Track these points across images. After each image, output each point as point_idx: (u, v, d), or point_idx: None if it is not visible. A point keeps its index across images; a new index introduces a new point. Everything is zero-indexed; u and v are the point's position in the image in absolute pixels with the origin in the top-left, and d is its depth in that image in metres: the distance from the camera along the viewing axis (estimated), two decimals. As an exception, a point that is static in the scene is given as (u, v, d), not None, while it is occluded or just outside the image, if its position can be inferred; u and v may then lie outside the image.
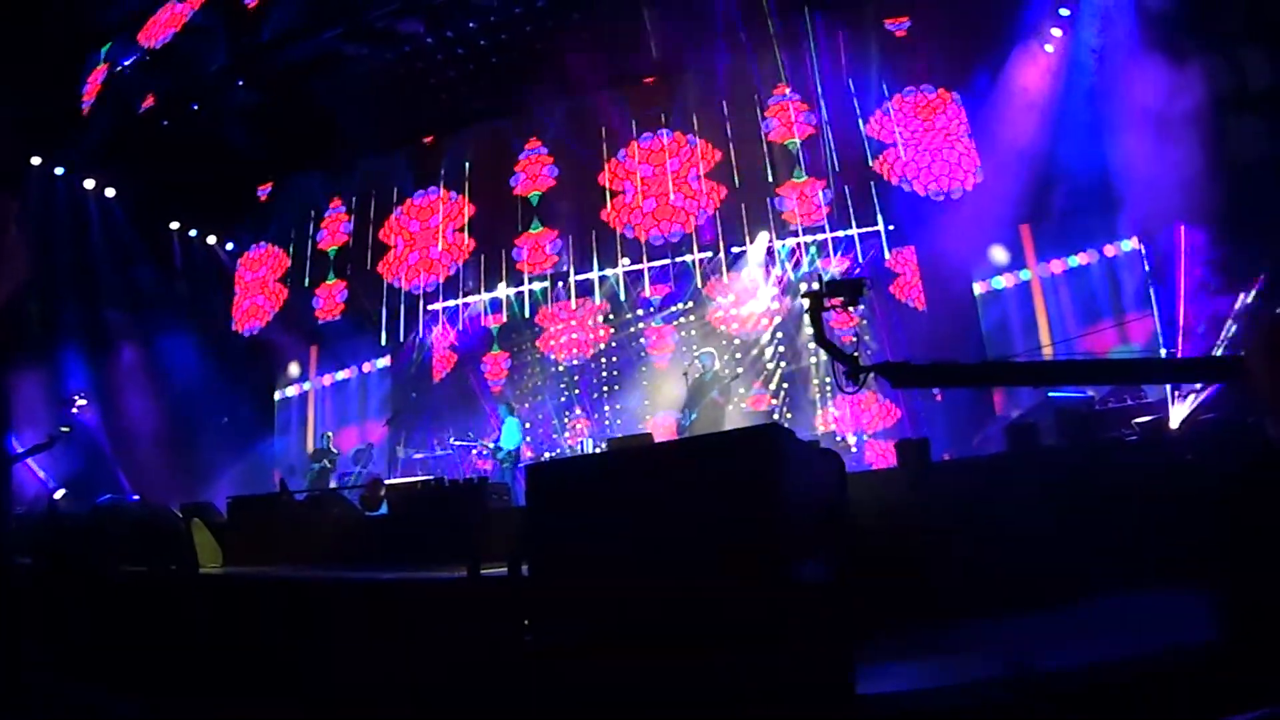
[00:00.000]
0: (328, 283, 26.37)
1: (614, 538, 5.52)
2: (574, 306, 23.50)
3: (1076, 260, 19.88)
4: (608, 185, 23.56)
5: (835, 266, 21.01)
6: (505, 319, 24.42)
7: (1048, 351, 17.83)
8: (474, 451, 20.63)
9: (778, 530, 5.02)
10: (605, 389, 22.83)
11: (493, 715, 6.46)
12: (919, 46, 21.22)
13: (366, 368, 26.41)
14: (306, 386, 27.22)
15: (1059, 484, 8.83)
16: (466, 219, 25.00)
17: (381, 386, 26.08)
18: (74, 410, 19.93)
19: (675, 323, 22.61)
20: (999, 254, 20.36)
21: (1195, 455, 8.78)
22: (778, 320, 21.59)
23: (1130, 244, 18.75)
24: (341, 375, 26.77)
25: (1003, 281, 20.61)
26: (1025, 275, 20.46)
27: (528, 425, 22.03)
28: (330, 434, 22.60)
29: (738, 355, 21.51)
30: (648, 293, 22.82)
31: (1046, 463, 9.82)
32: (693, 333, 22.19)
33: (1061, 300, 19.91)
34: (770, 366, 21.25)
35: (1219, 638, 4.77)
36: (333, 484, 20.81)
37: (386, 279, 25.49)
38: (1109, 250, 19.30)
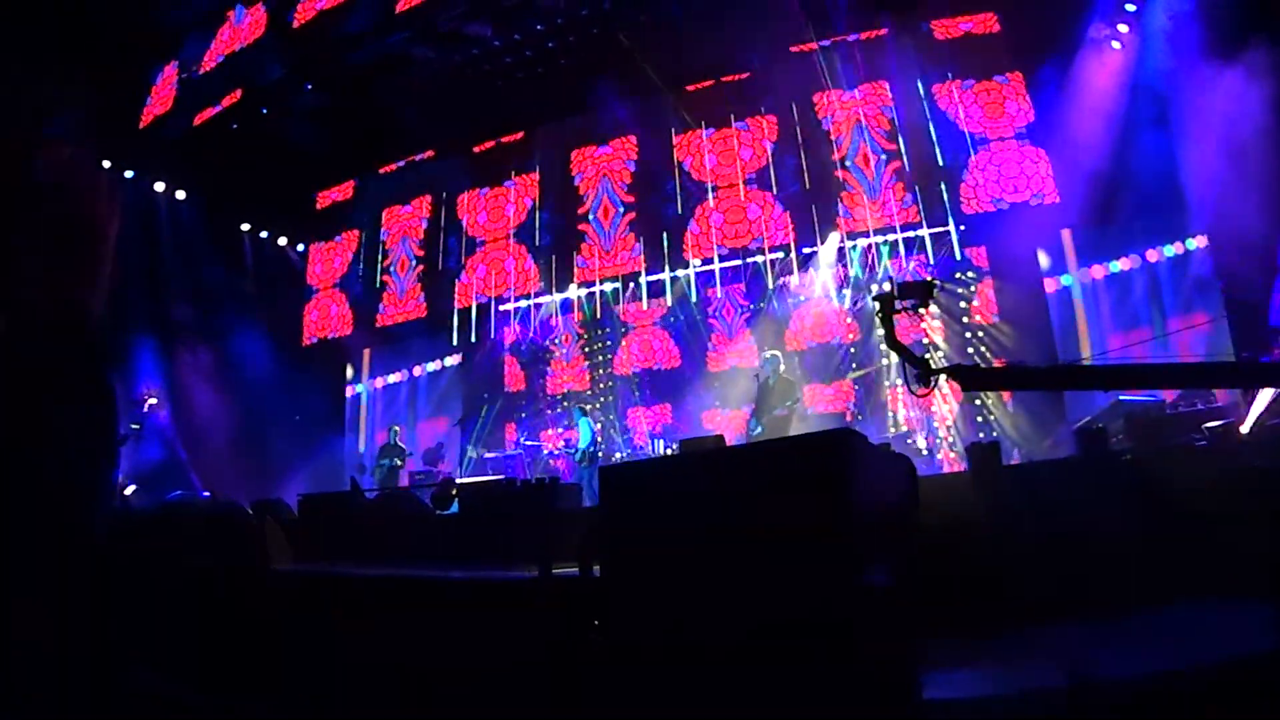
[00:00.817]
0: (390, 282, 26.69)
1: (685, 539, 5.47)
2: (645, 307, 23.42)
3: (1118, 265, 19.70)
4: (678, 186, 23.53)
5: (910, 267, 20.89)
6: (581, 318, 24.52)
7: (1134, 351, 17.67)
8: (545, 451, 20.69)
9: (848, 534, 4.97)
10: (674, 389, 22.83)
11: (561, 715, 6.47)
12: (988, 44, 21.06)
13: (417, 370, 26.71)
14: (359, 388, 27.55)
15: (1127, 489, 8.70)
16: (537, 218, 25.07)
17: (433, 388, 26.39)
18: (144, 409, 20.16)
19: (749, 326, 22.53)
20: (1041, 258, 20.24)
21: (1266, 461, 8.65)
22: (849, 321, 21.43)
23: (1173, 249, 18.65)
24: (393, 378, 27.17)
25: (1071, 279, 20.37)
26: (1066, 280, 20.31)
27: (598, 426, 22.07)
28: (398, 429, 22.67)
29: (810, 357, 21.48)
30: (719, 293, 22.74)
31: (1115, 467, 9.66)
32: (765, 333, 22.02)
33: (1104, 304, 19.78)
34: (841, 368, 21.12)
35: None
36: (404, 481, 20.99)
37: (459, 302, 25.70)
38: (1152, 255, 19.12)
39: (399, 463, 21.56)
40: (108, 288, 4.41)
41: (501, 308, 25.06)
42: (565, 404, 21.74)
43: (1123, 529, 8.06)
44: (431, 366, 26.42)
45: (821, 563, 4.99)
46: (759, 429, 16.52)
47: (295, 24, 21.20)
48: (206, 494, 19.91)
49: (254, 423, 23.45)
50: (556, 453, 20.10)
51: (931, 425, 19.67)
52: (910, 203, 21.03)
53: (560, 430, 22.02)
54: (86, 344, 4.11)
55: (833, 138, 22.11)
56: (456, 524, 13.55)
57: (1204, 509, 7.90)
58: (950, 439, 19.46)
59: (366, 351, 27.37)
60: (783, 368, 17.61)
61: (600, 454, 20.04)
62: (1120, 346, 17.48)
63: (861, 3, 21.06)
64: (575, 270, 24.42)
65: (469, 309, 25.29)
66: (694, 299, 22.99)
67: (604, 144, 24.93)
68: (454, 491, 14.95)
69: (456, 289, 25.73)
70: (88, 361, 4.08)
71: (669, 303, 23.37)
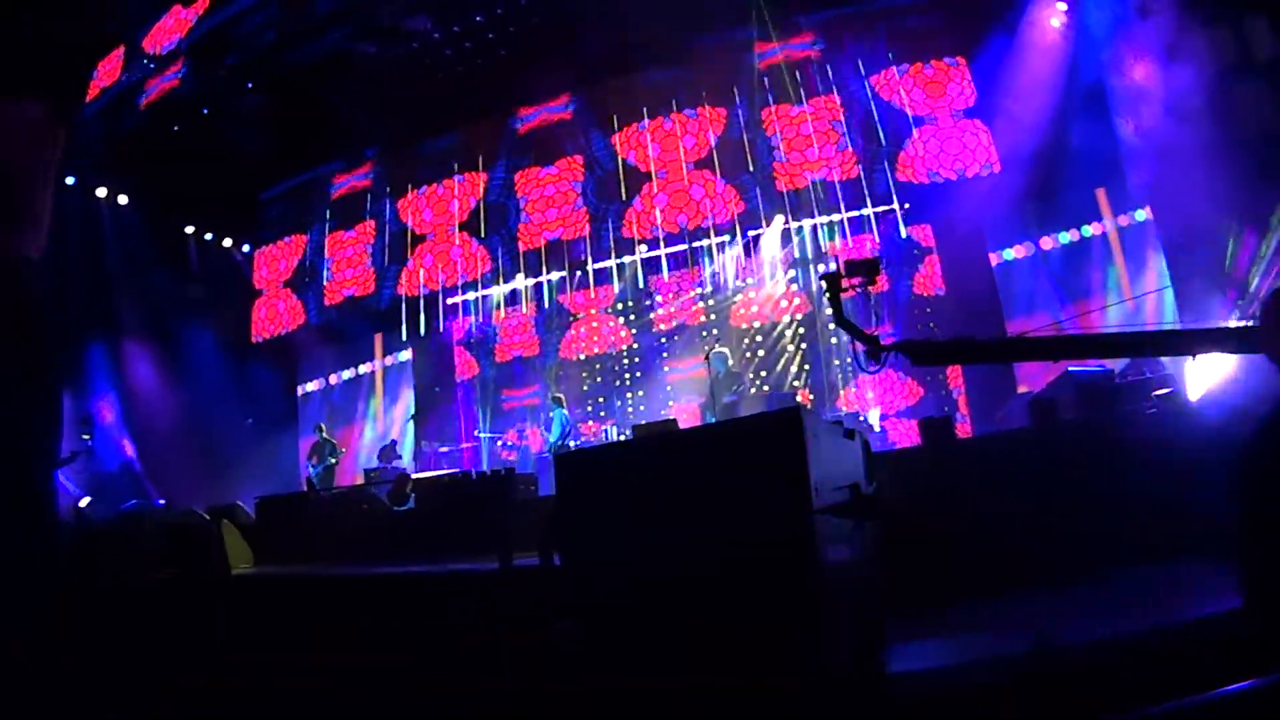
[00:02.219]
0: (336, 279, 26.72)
1: (644, 523, 5.52)
2: (592, 295, 23.46)
3: (1067, 237, 19.92)
4: (620, 174, 23.57)
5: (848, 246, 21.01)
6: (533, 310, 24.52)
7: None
8: (499, 442, 20.68)
9: (806, 512, 5.03)
10: (627, 377, 22.86)
11: (528, 706, 6.50)
12: (927, 18, 21.17)
13: (364, 368, 26.76)
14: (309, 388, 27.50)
15: (1080, 458, 8.85)
16: (483, 213, 25.03)
17: (385, 383, 26.30)
18: (84, 438, 20.02)
19: (694, 308, 22.57)
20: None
21: (1214, 426, 8.78)
22: (796, 302, 21.55)
23: (1115, 223, 18.90)
24: (346, 374, 27.03)
25: (1012, 254, 20.56)
26: (1008, 255, 20.52)
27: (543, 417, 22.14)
28: (323, 425, 22.45)
29: (758, 338, 21.60)
30: (665, 279, 22.81)
31: (1067, 438, 9.82)
32: (713, 317, 22.21)
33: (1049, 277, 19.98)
34: (791, 349, 21.22)
35: (1242, 607, 4.79)
36: (346, 479, 20.96)
37: (405, 293, 25.59)
38: (1095, 228, 19.42)
39: (333, 460, 21.29)
40: (44, 236, 4.37)
41: (449, 300, 24.99)
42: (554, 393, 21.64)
43: (1077, 497, 8.19)
44: (404, 356, 26.29)
45: (780, 540, 5.05)
46: (713, 418, 16.65)
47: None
48: (162, 502, 19.78)
49: (206, 426, 23.28)
50: (512, 444, 20.06)
51: (882, 401, 19.80)
52: (855, 182, 21.08)
53: (530, 426, 22.06)
54: (22, 296, 4.06)
55: (775, 122, 22.13)
56: (415, 519, 13.56)
57: (1156, 475, 8.04)
58: (903, 414, 19.61)
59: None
60: (730, 362, 17.91)
61: (573, 444, 20.13)
62: (1067, 318, 17.62)
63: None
64: (522, 260, 24.31)
65: (417, 302, 25.12)
66: (641, 284, 23.01)
67: (547, 163, 24.88)
68: (409, 487, 14.95)
69: (403, 278, 25.63)
70: (24, 316, 4.03)
71: (616, 289, 23.33)
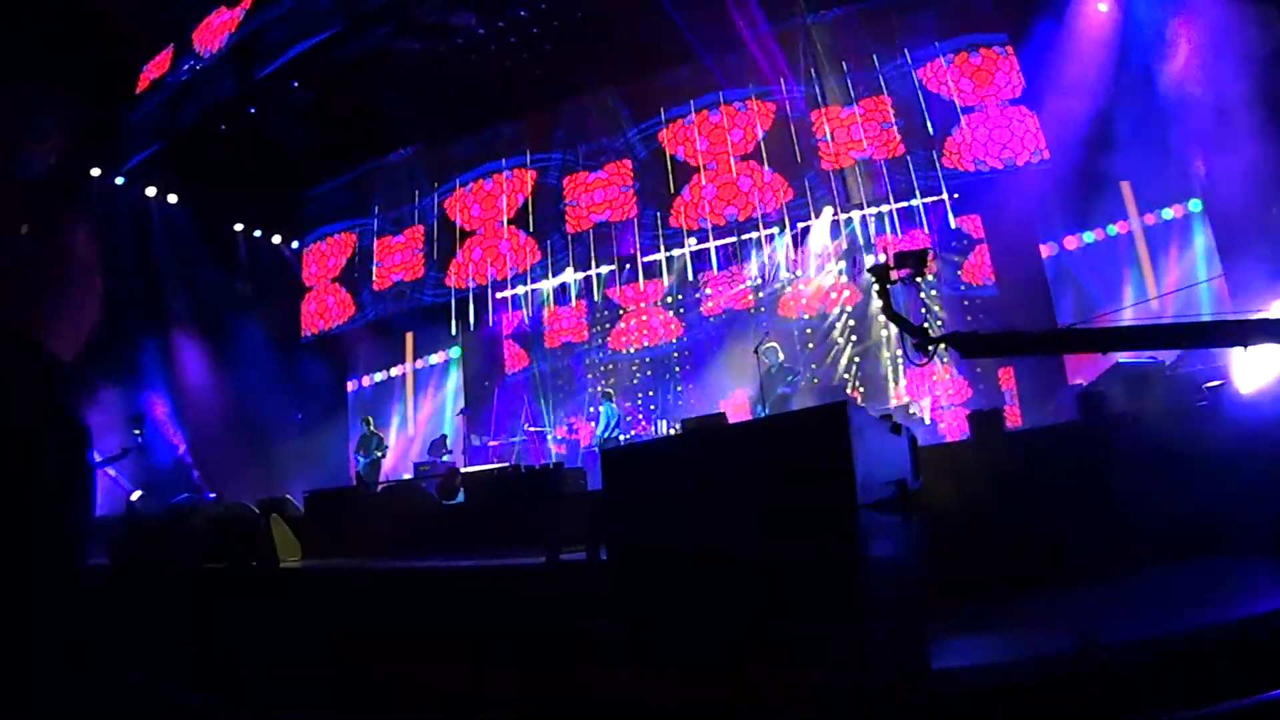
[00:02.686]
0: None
1: (691, 518, 5.50)
2: (642, 288, 23.41)
3: (1115, 229, 19.72)
4: (669, 168, 23.50)
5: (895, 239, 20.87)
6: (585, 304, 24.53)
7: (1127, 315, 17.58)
8: (551, 436, 20.66)
9: (851, 507, 4.98)
10: (677, 369, 22.79)
11: (578, 699, 6.48)
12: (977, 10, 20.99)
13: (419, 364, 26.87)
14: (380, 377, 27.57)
15: (1129, 452, 8.72)
16: (530, 205, 25.06)
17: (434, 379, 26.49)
18: (135, 433, 20.16)
19: (745, 299, 22.47)
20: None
21: (1267, 419, 8.64)
22: (846, 294, 21.42)
23: (1170, 212, 18.64)
24: (394, 371, 27.27)
25: (1065, 244, 20.40)
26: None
27: (591, 410, 22.17)
28: (370, 419, 22.44)
29: (808, 331, 21.47)
30: (715, 272, 22.72)
31: (1116, 430, 9.69)
32: (762, 310, 22.16)
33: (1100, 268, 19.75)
34: (841, 341, 21.10)
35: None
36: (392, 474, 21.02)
37: (454, 284, 25.64)
38: (1149, 219, 19.13)
39: (379, 454, 21.28)
40: (83, 339, 4.51)
41: (498, 295, 25.02)
42: (595, 389, 21.59)
43: (1126, 492, 8.08)
44: (434, 359, 26.46)
45: (825, 536, 5.01)
46: (764, 411, 16.61)
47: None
48: (213, 495, 19.91)
49: (257, 421, 23.43)
50: (561, 438, 20.03)
51: (933, 394, 19.66)
52: (903, 173, 20.93)
53: (578, 419, 22.03)
54: (53, 383, 4.12)
55: (824, 114, 22.02)
56: (463, 513, 13.55)
57: (1207, 469, 7.91)
58: (952, 407, 19.45)
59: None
60: (781, 356, 17.97)
61: (622, 437, 20.10)
62: (1117, 308, 17.42)
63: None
64: (572, 254, 24.28)
65: (466, 296, 25.15)
66: (690, 277, 22.93)
67: (598, 168, 24.82)
68: (458, 481, 14.95)
69: (451, 271, 25.65)
70: (55, 403, 4.09)
71: (666, 283, 23.25)
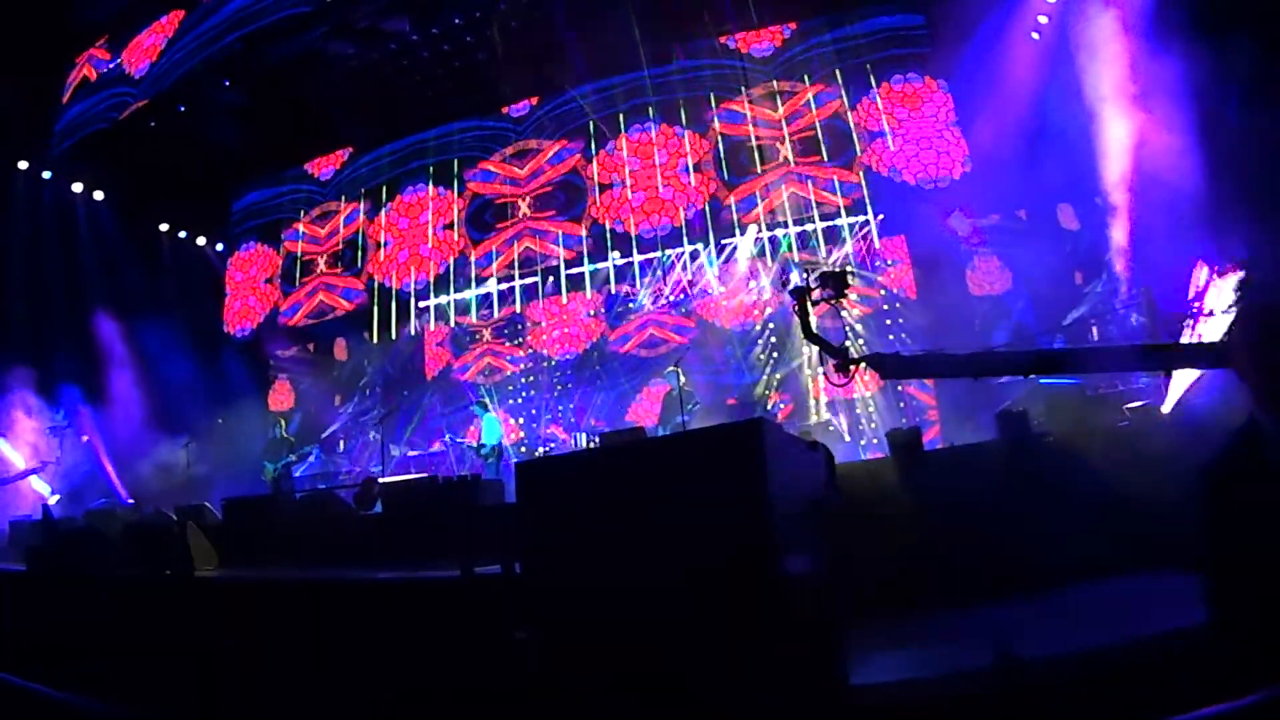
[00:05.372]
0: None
1: (605, 533, 5.54)
2: (565, 301, 23.40)
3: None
4: (595, 179, 23.57)
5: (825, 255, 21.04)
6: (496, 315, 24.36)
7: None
8: (463, 446, 20.61)
9: (764, 523, 5.04)
10: (597, 381, 22.77)
11: (487, 714, 6.48)
12: (910, 36, 21.25)
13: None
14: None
15: (1050, 471, 8.87)
16: (456, 215, 25.04)
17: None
18: (51, 433, 20.00)
19: (669, 314, 22.52)
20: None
21: (1185, 439, 8.80)
22: (769, 312, 21.54)
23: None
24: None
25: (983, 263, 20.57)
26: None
27: (519, 421, 22.16)
28: (282, 421, 22.26)
29: (728, 347, 21.57)
30: (639, 286, 22.77)
31: (1037, 450, 9.82)
32: (688, 324, 22.24)
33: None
34: (763, 357, 21.22)
35: (1209, 621, 4.79)
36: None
37: (377, 277, 25.60)
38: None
39: (292, 458, 21.10)
40: None
41: (421, 304, 25.03)
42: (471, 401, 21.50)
43: (1046, 510, 8.20)
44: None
45: (738, 552, 5.06)
46: (664, 433, 16.75)
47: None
48: (130, 501, 19.68)
49: (176, 425, 23.16)
50: (466, 450, 19.95)
51: (853, 411, 19.81)
52: (828, 192, 21.14)
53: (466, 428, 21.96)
54: None
55: (751, 130, 22.21)
56: (381, 524, 13.48)
57: (1126, 487, 8.04)
58: (872, 425, 19.60)
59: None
60: (683, 380, 18.02)
61: (522, 449, 20.14)
62: (1041, 332, 17.64)
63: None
64: (495, 263, 24.32)
65: (388, 303, 25.13)
66: (613, 291, 23.01)
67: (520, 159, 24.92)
68: (376, 491, 14.90)
69: (374, 278, 25.81)
70: None
71: (588, 295, 23.35)
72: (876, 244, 20.72)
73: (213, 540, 12.66)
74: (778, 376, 20.93)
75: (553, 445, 21.47)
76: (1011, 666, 5.04)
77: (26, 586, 11.64)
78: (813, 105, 21.98)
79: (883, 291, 20.60)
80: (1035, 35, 19.03)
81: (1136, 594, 6.92)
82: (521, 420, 22.57)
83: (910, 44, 21.32)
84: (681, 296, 22.41)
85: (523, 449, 22.00)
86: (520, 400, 23.24)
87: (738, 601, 4.98)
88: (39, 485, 19.55)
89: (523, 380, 23.66)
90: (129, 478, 21.44)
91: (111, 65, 23.49)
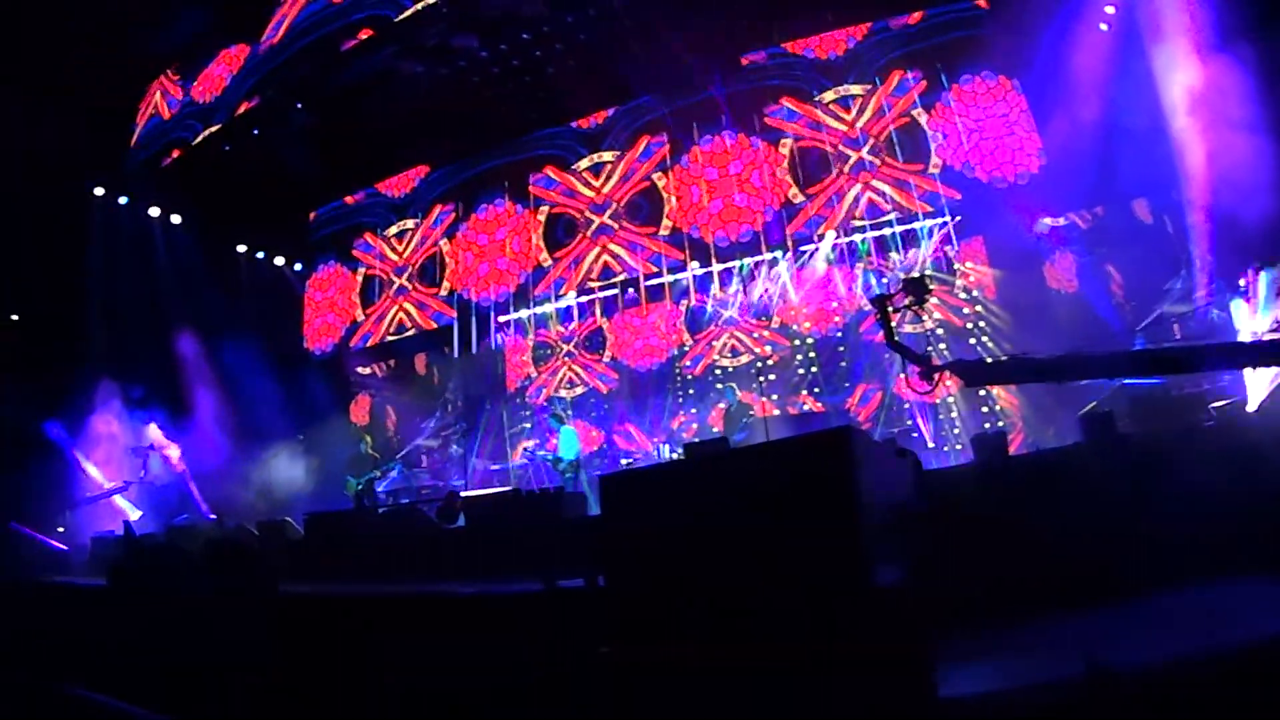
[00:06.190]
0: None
1: (691, 546, 5.45)
2: (645, 313, 23.37)
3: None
4: (672, 190, 23.54)
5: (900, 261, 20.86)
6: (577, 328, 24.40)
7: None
8: (543, 459, 20.60)
9: (854, 533, 4.94)
10: (682, 394, 22.63)
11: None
12: (979, 32, 21.00)
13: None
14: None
15: (1136, 473, 8.65)
16: (533, 228, 25.15)
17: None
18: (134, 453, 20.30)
19: (749, 322, 22.39)
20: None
21: (1273, 439, 8.58)
22: (849, 318, 21.33)
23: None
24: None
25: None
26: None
27: (597, 434, 22.19)
28: (368, 438, 22.26)
29: (811, 354, 21.46)
30: (718, 294, 22.67)
31: (1122, 452, 9.61)
32: (766, 333, 22.10)
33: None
34: (844, 364, 21.05)
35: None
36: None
37: (457, 290, 25.84)
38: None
39: (376, 473, 20.98)
40: None
41: (501, 318, 25.10)
42: (548, 414, 21.39)
43: (1133, 514, 8.00)
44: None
45: (828, 562, 4.96)
46: None
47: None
48: (213, 517, 19.84)
49: (259, 442, 23.35)
50: (544, 463, 19.86)
51: (936, 417, 19.58)
52: (905, 196, 20.96)
53: (537, 440, 21.88)
54: None
55: (825, 138, 22.11)
56: (463, 539, 13.45)
57: (1215, 489, 7.84)
58: (955, 430, 19.37)
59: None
60: (739, 395, 18.61)
61: (599, 461, 20.15)
62: (1119, 331, 17.38)
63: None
64: (574, 276, 24.33)
65: (469, 318, 25.21)
66: (693, 300, 22.89)
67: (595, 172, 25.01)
68: (459, 505, 14.88)
69: (453, 294, 25.94)
70: None
71: (669, 306, 23.24)
72: (955, 246, 20.49)
73: (295, 555, 12.73)
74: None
75: (634, 458, 21.41)
76: (1103, 677, 4.90)
77: (108, 602, 11.72)
78: (885, 108, 21.78)
79: (963, 295, 20.35)
80: (1104, 26, 18.68)
81: (1228, 600, 6.73)
82: (601, 432, 22.48)
83: (978, 40, 21.00)
84: (762, 304, 22.26)
85: (601, 460, 21.98)
86: (599, 413, 23.20)
87: (827, 612, 4.89)
88: (123, 504, 19.77)
89: (603, 391, 23.61)
90: (211, 494, 21.64)
91: (183, 93, 23.87)
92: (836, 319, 21.48)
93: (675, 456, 19.64)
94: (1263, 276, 11.60)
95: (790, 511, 5.10)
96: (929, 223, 20.63)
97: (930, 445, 18.85)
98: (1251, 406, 10.54)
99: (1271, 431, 8.76)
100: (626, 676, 5.53)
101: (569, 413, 20.00)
